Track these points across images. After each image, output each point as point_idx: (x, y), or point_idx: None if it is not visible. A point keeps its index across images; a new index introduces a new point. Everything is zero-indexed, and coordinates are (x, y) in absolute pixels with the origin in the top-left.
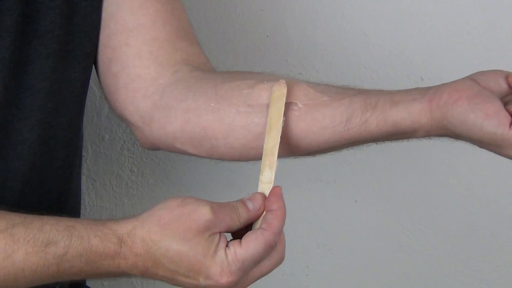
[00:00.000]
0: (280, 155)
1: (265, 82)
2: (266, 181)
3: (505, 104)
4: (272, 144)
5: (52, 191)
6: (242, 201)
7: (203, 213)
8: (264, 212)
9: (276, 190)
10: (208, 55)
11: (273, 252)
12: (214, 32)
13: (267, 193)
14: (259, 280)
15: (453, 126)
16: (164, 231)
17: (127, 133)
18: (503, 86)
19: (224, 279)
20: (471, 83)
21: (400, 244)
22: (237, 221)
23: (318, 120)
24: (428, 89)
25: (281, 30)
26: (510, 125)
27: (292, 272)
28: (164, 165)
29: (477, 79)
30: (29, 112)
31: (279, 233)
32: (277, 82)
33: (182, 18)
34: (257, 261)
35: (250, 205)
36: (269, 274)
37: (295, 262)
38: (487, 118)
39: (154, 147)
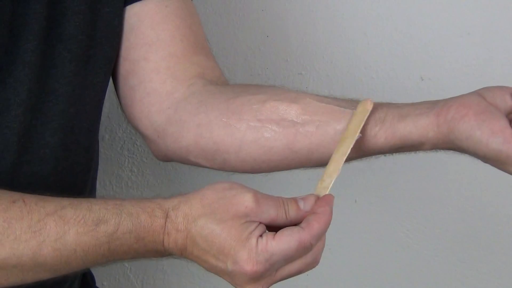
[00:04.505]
0: (290, 167)
1: (275, 100)
2: (323, 186)
3: (511, 122)
4: (341, 153)
5: (73, 195)
6: (294, 199)
7: (245, 199)
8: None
9: (327, 197)
10: None
11: (308, 254)
12: (214, 32)
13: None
14: None
15: (459, 141)
16: (204, 209)
17: (127, 133)
18: (508, 103)
19: (249, 267)
20: (478, 99)
21: (400, 244)
22: (284, 216)
23: (329, 135)
24: (435, 103)
25: (281, 30)
26: None
27: None
28: (164, 165)
29: (484, 95)
30: (51, 116)
31: (318, 236)
32: (366, 99)
33: (199, 32)
34: (288, 258)
35: (301, 204)
36: None
37: None
38: (493, 136)
39: (168, 159)
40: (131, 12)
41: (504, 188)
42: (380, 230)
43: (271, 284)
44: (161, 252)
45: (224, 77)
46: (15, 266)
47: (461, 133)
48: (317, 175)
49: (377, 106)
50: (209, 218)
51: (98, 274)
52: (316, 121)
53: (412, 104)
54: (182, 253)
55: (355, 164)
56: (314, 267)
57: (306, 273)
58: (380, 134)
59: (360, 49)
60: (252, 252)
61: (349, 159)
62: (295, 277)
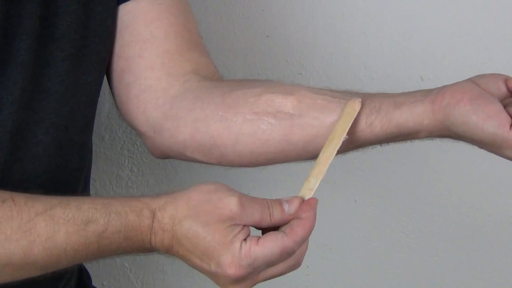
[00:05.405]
0: (287, 160)
1: (271, 93)
2: (309, 187)
3: (505, 107)
4: (327, 155)
5: (66, 194)
6: (279, 202)
7: (229, 204)
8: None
9: (311, 200)
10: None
11: (290, 258)
12: (214, 32)
13: (306, 198)
14: None
15: (455, 126)
16: (189, 211)
17: (127, 133)
18: (502, 89)
19: (232, 271)
20: (472, 85)
21: (400, 244)
22: (268, 219)
23: (325, 126)
24: (430, 90)
25: (281, 30)
26: (511, 126)
27: (292, 272)
28: (164, 165)
29: (478, 82)
30: (44, 114)
31: (301, 242)
32: (353, 99)
33: (193, 30)
34: (270, 263)
35: (286, 206)
36: None
37: None
38: (488, 119)
39: (164, 156)
40: (125, 10)
41: (504, 188)
42: (380, 230)
43: (254, 284)
44: (148, 250)
45: (219, 73)
46: (6, 265)
47: (457, 118)
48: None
49: (372, 96)
50: (194, 221)
51: (98, 274)
52: (311, 113)
53: (407, 93)
54: (168, 251)
55: (355, 164)
56: (296, 268)
57: (306, 273)
58: (376, 123)
59: (360, 49)
60: (235, 256)
61: (344, 150)
62: (295, 277)
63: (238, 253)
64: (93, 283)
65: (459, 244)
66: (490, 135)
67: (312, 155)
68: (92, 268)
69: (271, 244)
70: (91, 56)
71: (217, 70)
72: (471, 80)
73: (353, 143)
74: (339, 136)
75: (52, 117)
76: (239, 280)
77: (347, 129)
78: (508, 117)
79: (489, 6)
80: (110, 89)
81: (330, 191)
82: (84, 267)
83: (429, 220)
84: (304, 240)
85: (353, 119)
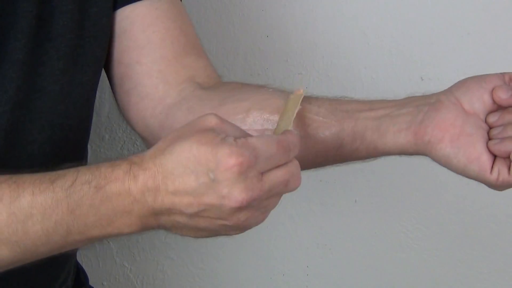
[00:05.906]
0: None
1: (258, 109)
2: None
3: (491, 127)
4: (291, 112)
5: None
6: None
7: (207, 118)
8: None
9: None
10: (208, 55)
11: (289, 163)
12: (214, 32)
13: None
14: (258, 280)
15: (438, 162)
16: (170, 139)
17: (127, 133)
18: (487, 103)
19: (233, 160)
20: (455, 113)
21: (400, 244)
22: None
23: (310, 145)
24: (415, 114)
25: (281, 30)
26: (491, 169)
27: (292, 272)
28: None
29: (461, 100)
30: (39, 113)
31: (293, 144)
32: (297, 90)
33: (190, 32)
34: (270, 157)
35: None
36: (269, 274)
37: (295, 262)
38: (469, 165)
39: None
40: (123, 15)
41: None
42: (380, 230)
43: (260, 193)
44: (130, 211)
45: (216, 74)
46: None
47: (439, 158)
48: (314, 175)
49: (357, 115)
50: (176, 142)
51: (98, 274)
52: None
53: (390, 116)
54: (155, 198)
55: (355, 164)
56: (298, 184)
57: (306, 273)
58: (361, 149)
59: (360, 49)
60: (233, 146)
61: (333, 163)
62: (295, 277)
63: (235, 143)
64: (93, 283)
65: (459, 244)
66: (471, 177)
67: (304, 169)
68: (91, 268)
69: (266, 137)
70: (87, 56)
71: (215, 70)
72: (455, 98)
73: (341, 161)
74: (294, 106)
75: (47, 116)
76: (243, 172)
77: (299, 103)
78: (490, 158)
79: (489, 6)
80: (112, 93)
81: (330, 191)
82: (82, 267)
83: (429, 220)
84: (295, 146)
85: (300, 100)
